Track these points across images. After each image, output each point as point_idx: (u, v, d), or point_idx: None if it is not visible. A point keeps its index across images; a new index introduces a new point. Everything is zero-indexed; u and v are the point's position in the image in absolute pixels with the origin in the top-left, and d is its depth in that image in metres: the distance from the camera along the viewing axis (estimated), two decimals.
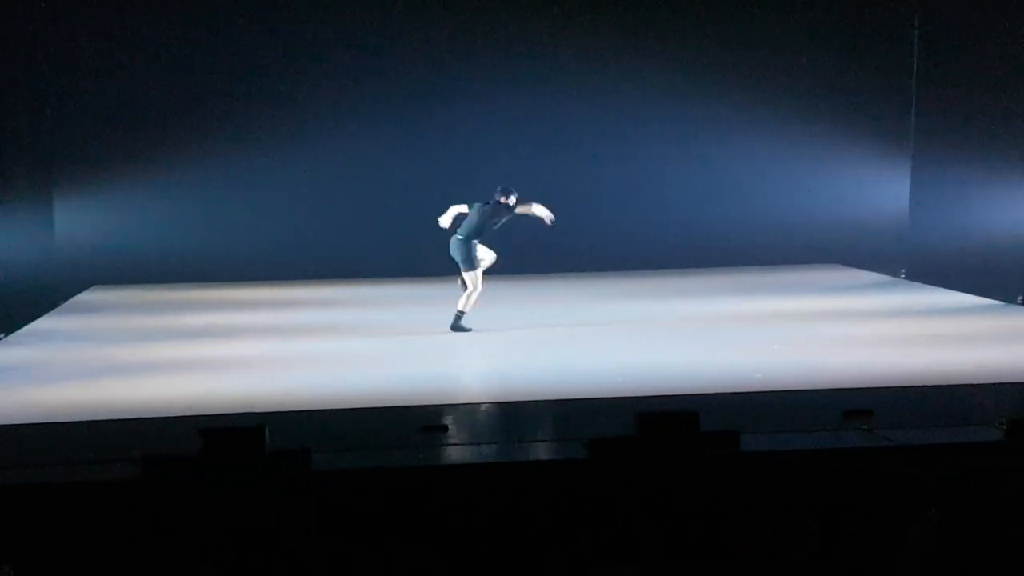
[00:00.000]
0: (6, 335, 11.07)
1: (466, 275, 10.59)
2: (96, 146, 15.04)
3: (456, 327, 10.57)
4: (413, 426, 6.70)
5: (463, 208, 10.73)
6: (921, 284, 14.00)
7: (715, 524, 4.89)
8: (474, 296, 10.61)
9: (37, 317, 12.23)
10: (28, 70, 13.56)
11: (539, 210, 10.80)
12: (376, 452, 6.42)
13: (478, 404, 7.58)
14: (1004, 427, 5.86)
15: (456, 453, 6.17)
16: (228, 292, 14.27)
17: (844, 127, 15.95)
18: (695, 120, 15.79)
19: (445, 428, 6.55)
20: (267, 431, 5.42)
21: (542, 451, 6.09)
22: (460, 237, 10.62)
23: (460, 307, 10.62)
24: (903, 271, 14.94)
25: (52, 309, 12.98)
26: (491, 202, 10.65)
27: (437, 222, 10.76)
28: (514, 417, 7.20)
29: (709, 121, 15.81)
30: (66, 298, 13.78)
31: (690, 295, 13.40)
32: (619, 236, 15.70)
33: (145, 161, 15.10)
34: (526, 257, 15.36)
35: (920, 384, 7.87)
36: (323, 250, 15.33)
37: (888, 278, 14.73)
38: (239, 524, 5.10)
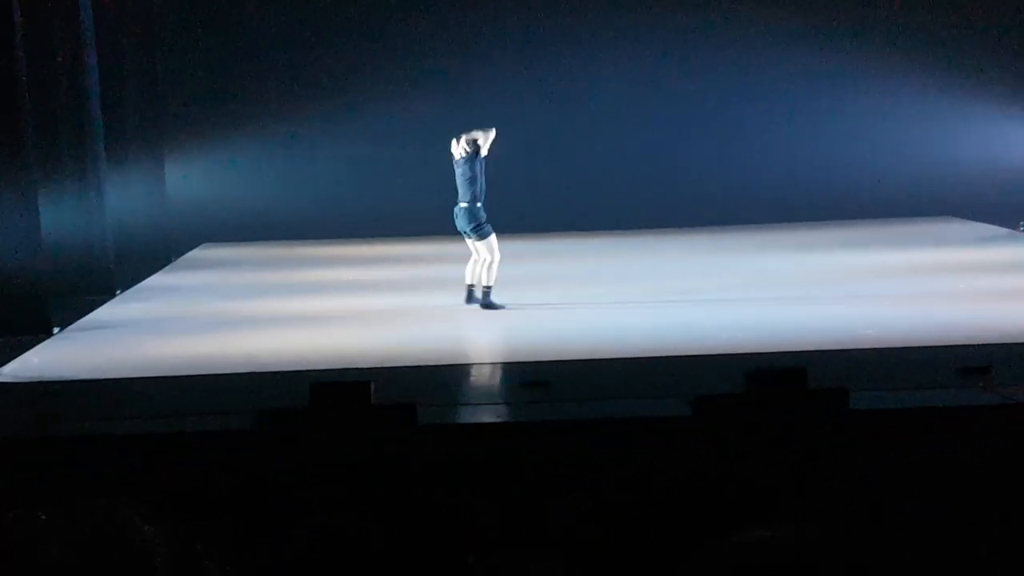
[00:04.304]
0: (121, 291, 11.41)
1: (479, 243, 9.39)
2: (205, 107, 15.35)
3: (487, 304, 9.38)
4: (515, 382, 6.72)
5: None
6: None
7: (822, 484, 4.79)
8: (495, 266, 9.35)
9: (150, 274, 12.57)
10: (140, 32, 13.85)
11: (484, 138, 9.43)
12: (479, 408, 6.46)
13: (581, 360, 7.55)
14: None
15: (558, 409, 6.16)
16: (335, 248, 14.47)
17: (962, 75, 15.41)
18: (807, 71, 15.44)
19: (547, 384, 6.54)
20: (373, 386, 5.48)
21: (646, 408, 6.04)
22: (464, 204, 9.39)
23: (486, 282, 9.36)
24: (1022, 223, 14.41)
25: (164, 266, 13.33)
26: (465, 157, 9.37)
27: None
28: (618, 374, 7.16)
29: (822, 72, 15.44)
30: (177, 255, 14.13)
31: (800, 249, 13.14)
32: (725, 190, 15.47)
33: (254, 120, 15.37)
34: (630, 212, 15.27)
35: None
36: (432, 206, 15.40)
37: (1005, 230, 14.23)
38: (345, 476, 5.18)
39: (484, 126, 9.73)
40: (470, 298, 9.57)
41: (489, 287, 9.45)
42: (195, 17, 15.19)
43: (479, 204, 9.45)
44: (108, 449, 5.55)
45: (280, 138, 15.49)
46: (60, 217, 10.78)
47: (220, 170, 15.49)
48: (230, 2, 15.34)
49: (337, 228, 15.24)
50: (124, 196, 12.66)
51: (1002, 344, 7.49)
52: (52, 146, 10.92)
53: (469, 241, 9.56)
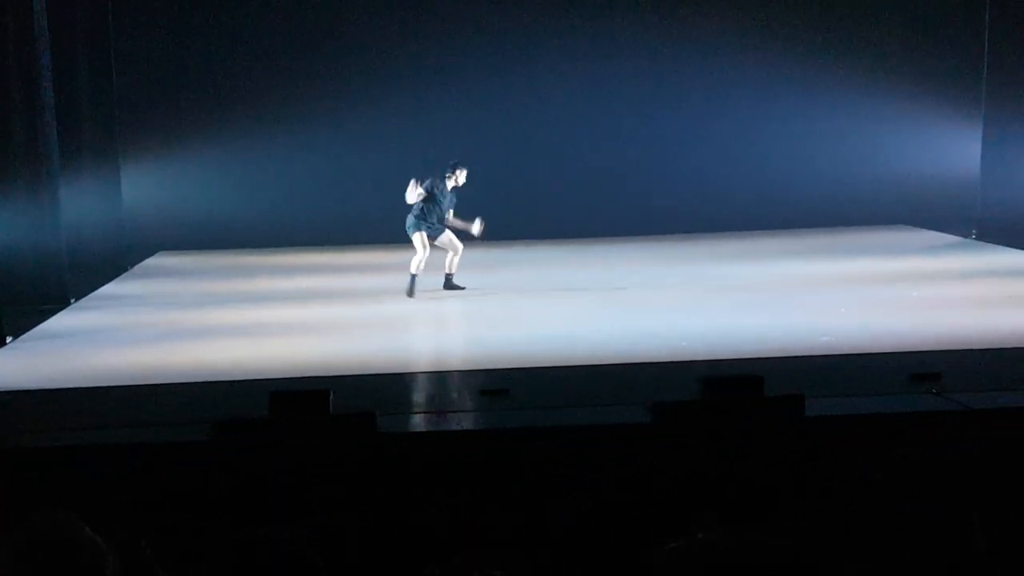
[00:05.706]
0: (75, 300, 11.29)
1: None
2: (161, 114, 15.23)
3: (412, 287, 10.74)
4: (474, 390, 6.72)
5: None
6: (993, 245, 13.70)
7: (779, 489, 4.84)
8: (412, 260, 10.86)
9: (105, 283, 12.44)
10: (95, 37, 13.73)
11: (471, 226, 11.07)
12: (438, 416, 6.46)
13: (540, 367, 7.57)
14: None
15: (517, 417, 6.17)
16: (293, 257, 14.40)
17: (913, 85, 15.63)
18: (763, 81, 15.59)
19: (506, 392, 6.55)
20: (332, 394, 5.46)
21: (605, 415, 6.07)
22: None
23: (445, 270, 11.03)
24: (974, 231, 14.63)
25: (119, 275, 13.19)
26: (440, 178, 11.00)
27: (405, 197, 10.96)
28: (577, 381, 7.18)
29: (778, 81, 15.59)
30: (133, 264, 13.99)
31: (756, 257, 13.25)
32: (684, 199, 15.57)
33: (210, 129, 15.27)
34: (590, 220, 15.33)
35: (990, 347, 7.72)
36: (388, 214, 15.39)
37: (958, 239, 14.44)
38: (304, 485, 5.15)
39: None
40: (447, 283, 11.01)
41: (413, 274, 10.74)
42: (150, 25, 15.07)
43: (413, 216, 11.09)
44: (62, 460, 5.48)
45: (237, 146, 15.38)
46: (13, 225, 10.65)
47: (176, 178, 15.36)
48: (186, 10, 15.25)
49: (295, 237, 15.17)
50: (79, 204, 12.53)
51: (954, 351, 7.60)
52: (5, 154, 10.79)
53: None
